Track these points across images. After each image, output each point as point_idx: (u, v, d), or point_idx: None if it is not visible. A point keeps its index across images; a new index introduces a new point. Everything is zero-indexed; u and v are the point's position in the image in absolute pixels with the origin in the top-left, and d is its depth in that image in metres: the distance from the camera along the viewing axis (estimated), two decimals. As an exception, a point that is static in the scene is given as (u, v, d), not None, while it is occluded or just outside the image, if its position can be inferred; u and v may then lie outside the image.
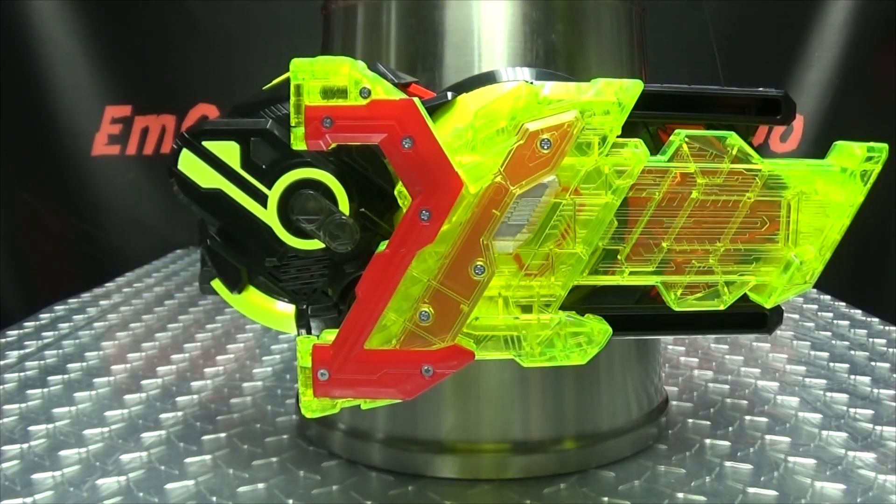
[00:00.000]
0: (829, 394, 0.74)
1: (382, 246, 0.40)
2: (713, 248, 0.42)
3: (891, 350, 0.87)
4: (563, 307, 0.42)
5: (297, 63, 0.39)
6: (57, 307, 1.05)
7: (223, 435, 0.65)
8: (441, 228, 0.39)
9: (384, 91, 0.38)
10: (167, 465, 0.60)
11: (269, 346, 0.89)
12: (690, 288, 0.43)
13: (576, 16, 0.58)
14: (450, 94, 0.45)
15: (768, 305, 0.43)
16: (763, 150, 0.43)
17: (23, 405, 0.72)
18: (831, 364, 0.82)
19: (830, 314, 1.01)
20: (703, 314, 0.44)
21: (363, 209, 0.44)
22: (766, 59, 1.51)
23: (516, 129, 0.39)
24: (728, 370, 0.80)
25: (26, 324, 0.98)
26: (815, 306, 1.04)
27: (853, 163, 0.42)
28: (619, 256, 0.42)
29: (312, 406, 0.41)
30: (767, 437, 0.64)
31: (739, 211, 0.42)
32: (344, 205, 0.44)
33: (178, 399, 0.73)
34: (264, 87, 0.46)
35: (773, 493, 0.55)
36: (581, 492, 0.56)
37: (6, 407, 0.71)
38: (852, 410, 0.70)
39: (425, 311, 0.40)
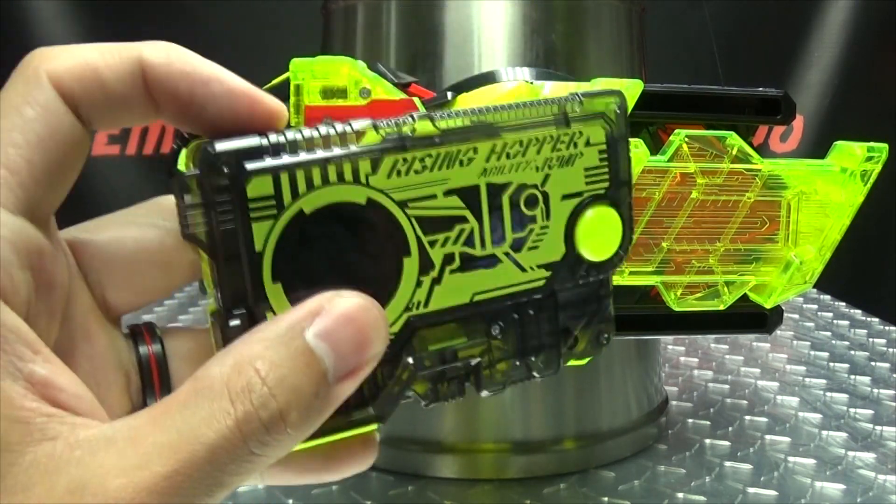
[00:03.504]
0: (829, 394, 0.74)
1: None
2: (713, 248, 0.42)
3: (891, 350, 0.87)
4: (563, 307, 0.42)
5: (296, 63, 0.39)
6: (57, 307, 1.05)
7: (223, 435, 0.65)
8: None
9: (384, 91, 0.38)
10: (167, 465, 0.60)
11: (269, 346, 0.89)
12: (690, 288, 0.43)
13: (576, 16, 0.58)
14: (450, 94, 0.44)
15: (768, 305, 0.43)
16: (763, 150, 0.43)
17: (23, 405, 0.72)
18: (831, 364, 0.82)
19: (830, 314, 1.01)
20: (703, 314, 0.44)
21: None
22: (766, 59, 1.51)
23: (516, 129, 0.39)
24: (728, 370, 0.80)
25: (26, 324, 0.98)
26: (815, 306, 1.04)
27: (853, 163, 0.42)
28: (619, 256, 0.42)
29: (312, 406, 0.41)
30: (767, 437, 0.64)
31: (739, 211, 0.42)
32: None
33: (178, 399, 0.73)
34: (264, 87, 0.46)
35: (773, 493, 0.55)
36: (581, 492, 0.56)
37: (6, 407, 0.71)
38: (852, 410, 0.70)
39: (425, 312, 0.40)
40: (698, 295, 0.43)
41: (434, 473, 0.58)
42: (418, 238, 0.23)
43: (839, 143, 0.43)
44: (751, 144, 0.42)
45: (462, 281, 0.24)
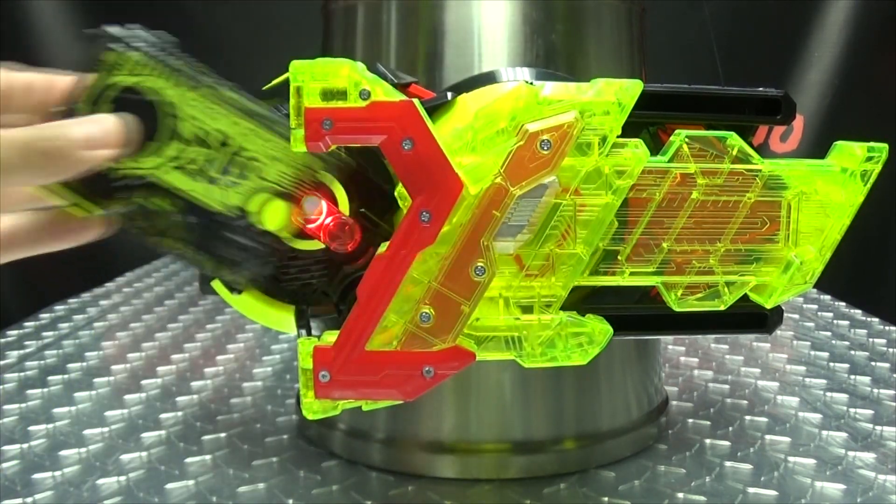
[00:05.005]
0: (829, 394, 0.74)
1: (383, 247, 0.40)
2: (713, 249, 0.42)
3: (891, 350, 0.87)
4: (564, 307, 0.42)
5: (296, 65, 0.38)
6: (57, 307, 1.05)
7: (223, 435, 0.65)
8: (441, 230, 0.39)
9: (384, 92, 0.38)
10: (167, 465, 0.60)
11: (269, 346, 0.89)
12: (691, 288, 0.43)
13: (576, 16, 0.58)
14: (450, 95, 0.45)
15: (768, 305, 0.43)
16: (763, 150, 0.43)
17: (23, 405, 0.72)
18: (831, 364, 0.82)
19: (830, 314, 1.01)
20: (703, 314, 0.44)
21: (363, 209, 0.44)
22: (766, 59, 1.51)
23: (516, 129, 0.39)
24: (728, 370, 0.81)
25: (26, 324, 0.98)
26: (815, 306, 1.04)
27: (853, 163, 0.42)
28: (619, 257, 0.42)
29: (314, 407, 0.41)
30: (767, 437, 0.64)
31: (740, 211, 0.42)
32: (344, 205, 0.44)
33: (178, 399, 0.73)
34: (264, 88, 0.46)
35: (773, 493, 0.55)
36: (581, 492, 0.56)
37: (6, 407, 0.71)
38: (852, 410, 0.70)
39: (426, 313, 0.40)
40: (699, 295, 0.43)
41: (434, 473, 0.58)
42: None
43: (839, 143, 0.43)
44: (751, 144, 0.42)
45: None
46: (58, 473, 0.58)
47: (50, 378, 0.79)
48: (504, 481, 0.57)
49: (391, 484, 0.57)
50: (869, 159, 0.42)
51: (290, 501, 0.55)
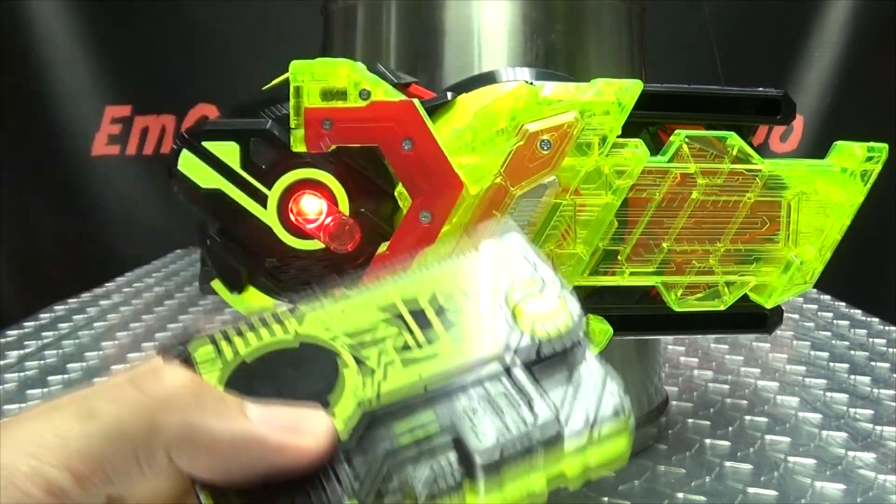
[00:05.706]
0: (829, 394, 0.74)
1: (383, 247, 0.40)
2: (713, 249, 0.42)
3: (891, 350, 0.87)
4: (564, 307, 0.42)
5: (296, 65, 0.39)
6: (57, 307, 1.05)
7: (223, 435, 0.65)
8: (442, 230, 0.39)
9: (384, 93, 0.38)
10: (167, 465, 0.60)
11: (269, 347, 0.89)
12: (691, 288, 0.43)
13: (576, 16, 0.58)
14: (449, 95, 0.45)
15: (768, 305, 0.43)
16: (763, 150, 0.43)
17: (23, 405, 0.72)
18: (831, 364, 0.82)
19: (830, 314, 1.01)
20: (703, 314, 0.44)
21: (363, 209, 0.44)
22: (766, 59, 1.51)
23: (516, 129, 0.39)
24: (728, 370, 0.80)
25: (26, 324, 0.98)
26: (815, 306, 1.04)
27: (853, 163, 0.42)
28: (619, 257, 0.42)
29: (313, 407, 0.41)
30: (767, 437, 0.64)
31: (740, 211, 0.42)
32: (344, 205, 0.44)
33: (179, 399, 0.73)
34: (264, 88, 0.46)
35: (773, 493, 0.55)
36: (581, 492, 0.56)
37: (6, 407, 0.71)
38: (852, 410, 0.70)
39: (425, 312, 0.40)
40: (699, 295, 0.43)
41: (434, 473, 0.58)
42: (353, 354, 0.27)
43: (839, 143, 0.43)
44: (751, 144, 0.42)
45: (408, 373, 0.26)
46: (58, 473, 0.58)
47: (50, 378, 0.79)
48: (504, 481, 0.57)
49: (391, 484, 0.57)
50: (869, 159, 0.42)
51: (290, 501, 0.54)
